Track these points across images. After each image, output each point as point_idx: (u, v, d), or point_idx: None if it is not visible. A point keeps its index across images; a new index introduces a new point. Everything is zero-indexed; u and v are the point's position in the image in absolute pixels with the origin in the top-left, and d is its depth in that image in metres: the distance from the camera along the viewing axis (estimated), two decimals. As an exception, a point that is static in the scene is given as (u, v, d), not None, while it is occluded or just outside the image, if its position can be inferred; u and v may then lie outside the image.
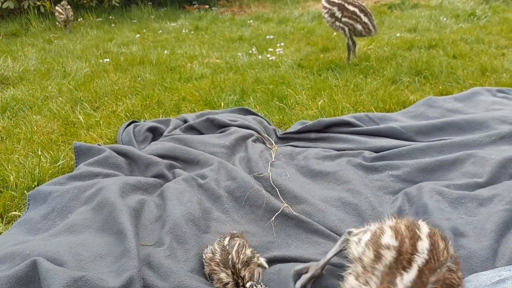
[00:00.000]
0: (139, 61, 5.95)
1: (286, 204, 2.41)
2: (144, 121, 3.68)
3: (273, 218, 2.33)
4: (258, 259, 1.97)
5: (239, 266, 1.85)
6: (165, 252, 2.04)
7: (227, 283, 1.84)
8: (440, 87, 4.31)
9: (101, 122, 3.76)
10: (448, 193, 2.37)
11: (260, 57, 6.01)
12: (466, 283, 1.64)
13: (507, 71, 4.58)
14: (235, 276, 1.83)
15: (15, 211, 2.50)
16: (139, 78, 5.16)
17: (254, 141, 3.26)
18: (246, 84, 4.67)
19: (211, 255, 1.95)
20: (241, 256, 1.88)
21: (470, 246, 1.98)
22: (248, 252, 1.94)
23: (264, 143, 3.32)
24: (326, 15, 5.15)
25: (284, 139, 3.43)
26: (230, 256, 1.89)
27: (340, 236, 2.16)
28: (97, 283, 1.69)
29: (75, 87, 4.78)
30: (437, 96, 3.97)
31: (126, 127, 3.54)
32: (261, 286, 1.74)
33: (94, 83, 4.93)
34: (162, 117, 3.88)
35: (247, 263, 1.88)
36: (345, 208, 2.41)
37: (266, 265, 1.98)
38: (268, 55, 6.05)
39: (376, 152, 2.99)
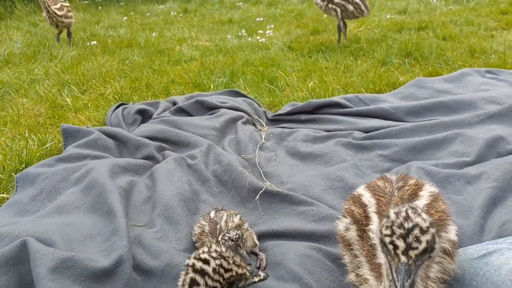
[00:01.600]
0: (127, 44, 5.87)
1: (269, 183, 2.43)
2: (133, 104, 3.64)
3: (257, 196, 2.35)
4: (248, 229, 2.01)
5: None
6: (157, 234, 2.05)
7: None
8: (430, 68, 4.32)
9: (89, 105, 3.71)
10: (436, 172, 2.39)
11: (250, 39, 5.96)
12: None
13: (495, 53, 4.60)
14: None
15: (3, 193, 2.48)
16: (127, 61, 5.09)
17: (244, 123, 3.25)
18: (236, 66, 4.63)
19: (200, 230, 1.96)
20: (230, 224, 1.91)
21: (457, 223, 1.99)
22: (236, 219, 1.97)
23: (254, 125, 3.31)
24: (318, 0, 5.10)
25: (274, 121, 3.42)
26: (218, 226, 1.91)
27: (324, 203, 2.25)
28: (86, 263, 1.69)
29: (62, 70, 4.71)
30: (427, 77, 3.98)
31: (114, 110, 3.50)
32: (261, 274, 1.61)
33: (82, 66, 4.86)
34: (151, 99, 3.84)
35: (235, 229, 1.90)
36: (330, 181, 2.45)
37: (256, 240, 2.00)
38: (258, 37, 6.00)
39: (366, 132, 3.00)
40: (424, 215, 1.18)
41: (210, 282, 1.22)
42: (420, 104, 3.25)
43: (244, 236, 1.82)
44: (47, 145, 2.93)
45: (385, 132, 2.93)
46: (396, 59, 4.57)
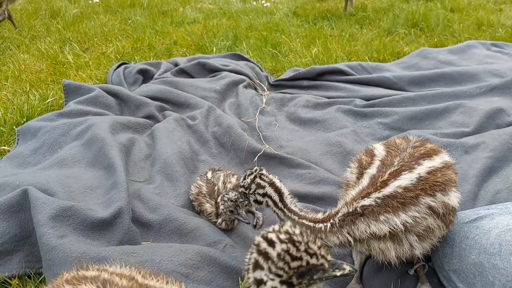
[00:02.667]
0: (129, 3, 5.77)
1: (267, 146, 2.45)
2: (135, 64, 3.61)
3: (255, 158, 2.37)
4: None
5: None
6: (156, 190, 2.08)
7: (210, 213, 1.90)
8: (436, 39, 4.27)
9: (90, 63, 3.69)
10: (435, 140, 2.39)
11: (254, 3, 5.86)
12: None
13: (503, 26, 4.53)
14: (217, 206, 1.90)
15: (4, 146, 2.50)
16: (130, 21, 5.02)
17: (246, 86, 3.24)
18: (239, 30, 4.57)
19: (197, 190, 1.99)
20: (228, 186, 1.93)
21: (452, 190, 2.04)
22: (234, 180, 2.00)
23: (255, 89, 3.30)
24: None
25: (276, 86, 3.41)
26: (216, 188, 1.94)
27: (321, 167, 2.27)
28: (86, 213, 1.72)
29: (64, 27, 4.65)
30: (432, 48, 3.94)
31: (116, 69, 3.48)
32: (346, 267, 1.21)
33: (84, 24, 4.80)
34: (153, 60, 3.81)
35: (233, 190, 1.94)
36: (329, 146, 2.47)
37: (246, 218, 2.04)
38: (263, 2, 5.90)
39: (367, 100, 3.00)
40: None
41: (273, 269, 1.02)
42: (423, 75, 3.23)
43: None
44: (48, 101, 2.93)
45: (386, 101, 2.93)
46: (402, 29, 4.51)
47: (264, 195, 1.56)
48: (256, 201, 1.59)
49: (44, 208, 1.68)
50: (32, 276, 1.68)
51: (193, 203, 2.03)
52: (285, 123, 2.88)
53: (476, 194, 2.01)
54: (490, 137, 2.33)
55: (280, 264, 1.01)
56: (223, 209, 1.84)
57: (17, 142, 2.45)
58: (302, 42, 4.22)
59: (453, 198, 1.51)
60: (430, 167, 1.51)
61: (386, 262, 1.53)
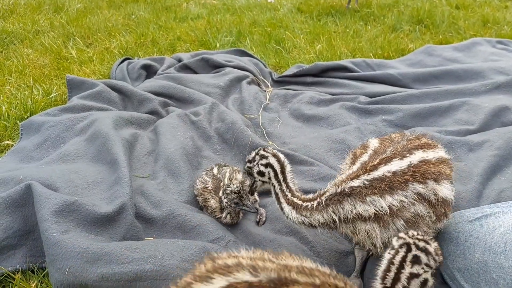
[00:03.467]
0: (133, -1, 5.76)
1: (271, 142, 2.44)
2: (138, 59, 3.61)
3: None
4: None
5: None
6: (159, 186, 2.08)
7: (214, 209, 1.89)
8: (441, 36, 4.24)
9: (94, 58, 3.68)
10: (439, 138, 2.38)
11: (258, -1, 5.84)
12: (450, 219, 1.69)
13: (508, 24, 4.50)
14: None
15: (8, 140, 2.50)
16: (133, 16, 5.01)
17: (249, 83, 3.23)
18: (243, 26, 4.55)
19: (202, 185, 1.99)
20: (233, 182, 1.93)
21: (456, 188, 2.01)
22: (239, 176, 1.99)
23: (259, 85, 3.29)
24: None
25: (280, 82, 3.40)
26: (221, 184, 1.93)
27: (325, 164, 2.26)
28: (89, 208, 1.72)
29: (68, 22, 4.64)
30: (437, 45, 3.91)
31: (119, 64, 3.47)
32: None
33: (87, 19, 4.79)
34: (156, 55, 3.80)
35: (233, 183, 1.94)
36: (332, 143, 2.46)
37: (257, 196, 2.03)
38: (267, -2, 5.87)
39: (371, 97, 2.99)
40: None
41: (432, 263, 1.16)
42: (428, 72, 3.21)
43: (244, 187, 1.85)
44: (51, 95, 2.93)
45: (391, 98, 2.91)
46: (406, 26, 4.48)
47: (267, 165, 1.57)
48: (259, 173, 1.59)
49: (47, 203, 1.68)
50: (35, 270, 1.68)
51: (198, 197, 2.03)
52: (288, 119, 2.87)
53: (480, 192, 1.99)
54: (495, 135, 2.32)
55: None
56: (227, 202, 1.85)
57: (21, 137, 2.45)
58: (306, 39, 4.21)
59: (445, 189, 1.50)
60: (423, 157, 1.51)
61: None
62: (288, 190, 1.57)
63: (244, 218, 1.96)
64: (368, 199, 1.44)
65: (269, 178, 1.58)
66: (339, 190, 1.49)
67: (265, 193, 2.11)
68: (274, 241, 1.79)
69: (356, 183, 1.47)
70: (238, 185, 1.83)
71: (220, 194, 1.89)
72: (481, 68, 3.19)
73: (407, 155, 1.50)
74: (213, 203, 1.90)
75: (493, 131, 2.39)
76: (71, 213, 1.68)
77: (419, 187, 1.45)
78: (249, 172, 1.63)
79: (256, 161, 1.59)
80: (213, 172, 2.04)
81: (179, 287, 1.04)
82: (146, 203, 1.90)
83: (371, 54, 3.79)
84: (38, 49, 3.88)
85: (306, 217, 1.52)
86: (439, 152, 1.59)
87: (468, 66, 3.23)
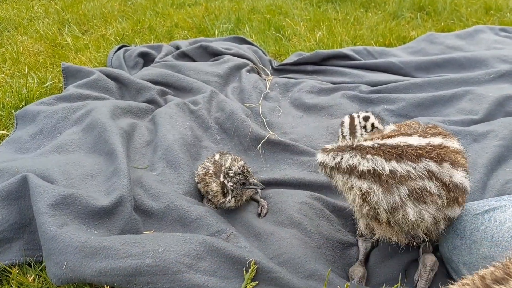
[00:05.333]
0: (129, -16, 5.63)
1: (272, 132, 2.40)
2: (135, 46, 3.54)
3: (259, 145, 2.33)
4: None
5: None
6: (158, 177, 2.04)
7: (216, 192, 1.86)
8: (442, 24, 4.18)
9: (90, 46, 3.61)
10: (443, 128, 2.35)
11: (257, -15, 5.72)
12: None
13: (511, 11, 4.43)
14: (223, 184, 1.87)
15: (3, 130, 2.45)
16: (130, 2, 4.91)
17: (249, 71, 3.17)
18: (242, 13, 4.47)
19: (203, 171, 1.96)
20: (235, 164, 1.90)
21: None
22: (241, 163, 1.96)
23: (259, 73, 3.23)
24: None
25: (280, 70, 3.34)
26: (223, 168, 1.90)
27: None
28: (87, 201, 1.68)
29: (63, 9, 4.54)
30: (439, 33, 3.85)
31: (116, 52, 3.40)
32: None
33: (82, 5, 4.68)
34: (153, 43, 3.73)
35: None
36: (334, 133, 2.43)
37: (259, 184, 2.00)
38: (266, -16, 5.76)
39: (373, 86, 2.94)
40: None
41: None
42: (430, 60, 3.16)
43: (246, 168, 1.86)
44: (47, 84, 2.87)
45: (393, 87, 2.87)
46: (408, 13, 4.41)
47: None
48: None
49: (44, 196, 1.64)
50: (32, 264, 1.65)
51: (199, 184, 1.99)
52: (289, 109, 2.83)
53: (485, 183, 1.97)
54: (499, 125, 2.28)
55: None
56: (232, 185, 1.82)
57: (16, 127, 2.39)
58: (306, 26, 4.14)
59: (461, 176, 1.45)
60: (443, 143, 1.47)
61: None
62: None
63: (245, 210, 1.92)
64: (368, 156, 1.41)
65: None
66: (347, 144, 1.48)
67: (267, 184, 2.08)
68: (276, 233, 1.76)
69: (366, 143, 1.45)
70: (239, 166, 1.82)
71: (222, 178, 1.86)
72: (485, 56, 3.14)
73: (428, 136, 1.47)
74: (214, 186, 1.87)
75: (497, 121, 2.36)
76: (68, 206, 1.64)
77: (432, 165, 1.39)
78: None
79: None
80: (214, 159, 2.02)
81: (487, 278, 0.98)
82: (145, 195, 1.86)
83: (372, 42, 3.73)
84: (33, 36, 3.80)
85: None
86: (456, 144, 1.55)
87: (471, 54, 3.18)
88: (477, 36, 3.65)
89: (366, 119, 2.15)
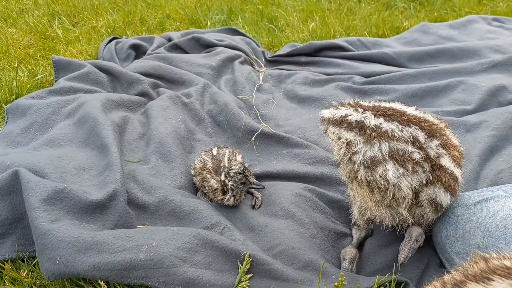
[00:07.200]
0: (120, -25, 5.56)
1: (265, 125, 2.40)
2: (126, 38, 3.50)
3: (253, 138, 2.32)
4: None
5: None
6: (151, 171, 2.03)
7: (215, 189, 1.86)
8: (436, 14, 4.17)
9: (80, 38, 3.56)
10: (436, 119, 2.35)
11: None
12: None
13: (504, 0, 4.43)
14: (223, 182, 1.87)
15: (-7, 124, 2.42)
16: (121, -7, 4.84)
17: (242, 62, 3.15)
18: (234, 4, 4.43)
19: (201, 165, 1.94)
20: (233, 163, 1.90)
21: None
22: (239, 158, 1.97)
23: (252, 65, 3.21)
24: None
25: (273, 62, 3.32)
26: (222, 164, 1.89)
27: (320, 146, 2.25)
28: (79, 195, 1.67)
29: (52, 0, 4.48)
30: (432, 23, 3.85)
31: (107, 44, 3.36)
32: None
33: (73, -4, 4.62)
34: (145, 35, 3.69)
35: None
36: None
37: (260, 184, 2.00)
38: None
39: (367, 77, 2.94)
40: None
41: None
42: (424, 50, 3.16)
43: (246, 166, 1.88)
44: (37, 77, 2.83)
45: (386, 78, 2.86)
46: (401, 3, 4.40)
47: None
48: None
49: (36, 191, 1.62)
50: (25, 259, 1.64)
51: (195, 177, 1.98)
52: (282, 101, 2.81)
53: (478, 173, 1.98)
54: (492, 116, 2.29)
55: None
56: (233, 185, 1.82)
57: (7, 121, 2.36)
58: (299, 16, 4.11)
59: (448, 162, 1.46)
60: (446, 131, 1.52)
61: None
62: None
63: (239, 202, 1.92)
64: (360, 109, 1.50)
65: None
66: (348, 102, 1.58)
67: (261, 177, 2.07)
68: (270, 224, 1.76)
69: (365, 103, 1.56)
70: (239, 165, 1.82)
71: (223, 178, 1.85)
72: (477, 46, 3.14)
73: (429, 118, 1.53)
74: (213, 183, 1.86)
75: (490, 111, 2.37)
76: (61, 200, 1.62)
77: (420, 134, 1.42)
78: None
79: None
80: (212, 153, 2.00)
81: (448, 283, 0.99)
82: (138, 189, 1.85)
83: (365, 33, 3.72)
84: (23, 28, 3.75)
85: None
86: (458, 143, 1.58)
87: (464, 45, 3.18)
88: (470, 26, 3.64)
89: None
